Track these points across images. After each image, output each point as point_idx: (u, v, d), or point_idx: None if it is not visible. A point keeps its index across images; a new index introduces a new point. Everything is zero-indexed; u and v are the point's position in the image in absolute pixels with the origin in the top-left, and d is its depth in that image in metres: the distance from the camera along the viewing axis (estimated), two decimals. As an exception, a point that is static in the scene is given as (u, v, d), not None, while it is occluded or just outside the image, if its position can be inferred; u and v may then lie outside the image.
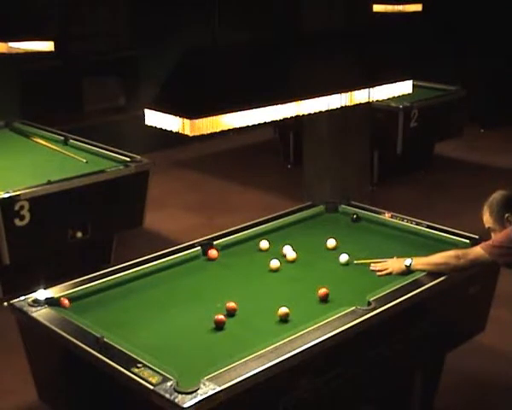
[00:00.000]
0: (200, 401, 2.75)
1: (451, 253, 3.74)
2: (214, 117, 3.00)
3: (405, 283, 3.66)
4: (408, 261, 3.78)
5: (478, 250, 3.63)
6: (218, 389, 2.81)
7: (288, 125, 7.59)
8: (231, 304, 3.49)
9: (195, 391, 2.78)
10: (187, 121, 2.94)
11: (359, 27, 5.88)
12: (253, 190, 8.17)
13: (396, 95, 3.83)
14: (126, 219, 5.95)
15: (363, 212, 4.68)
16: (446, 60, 9.81)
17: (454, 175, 8.65)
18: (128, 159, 5.96)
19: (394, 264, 3.84)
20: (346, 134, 6.30)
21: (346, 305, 3.43)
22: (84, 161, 6.01)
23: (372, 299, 3.48)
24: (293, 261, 4.07)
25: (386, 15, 7.36)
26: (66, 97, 9.11)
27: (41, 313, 3.41)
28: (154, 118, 3.08)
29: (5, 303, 3.60)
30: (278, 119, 3.27)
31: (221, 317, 3.37)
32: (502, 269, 4.07)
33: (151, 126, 3.12)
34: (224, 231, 4.35)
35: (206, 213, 7.49)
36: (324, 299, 3.59)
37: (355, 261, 3.99)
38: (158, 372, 2.90)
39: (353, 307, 3.40)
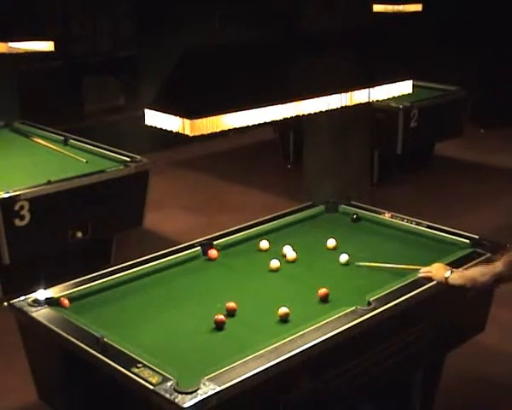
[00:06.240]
0: (200, 401, 2.75)
1: (481, 270, 3.55)
2: (214, 117, 3.00)
3: (405, 283, 3.66)
4: (447, 273, 3.59)
5: (498, 265, 3.46)
6: (218, 389, 2.80)
7: (288, 125, 7.59)
8: (231, 304, 3.48)
9: (195, 391, 2.78)
10: (187, 121, 2.94)
11: (359, 27, 5.87)
12: (252, 190, 8.18)
13: (396, 95, 3.83)
14: (126, 219, 5.95)
15: (363, 212, 4.68)
16: (446, 60, 9.82)
17: (454, 175, 8.66)
18: (128, 159, 5.96)
19: (437, 273, 3.65)
20: (347, 134, 6.30)
21: (346, 305, 3.43)
22: (84, 161, 6.01)
23: (372, 299, 3.48)
24: (293, 261, 4.07)
25: (386, 15, 7.36)
26: (66, 97, 9.11)
27: (41, 313, 3.41)
28: (154, 118, 3.08)
29: (5, 303, 3.59)
30: (278, 119, 3.27)
31: (221, 317, 3.37)
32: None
33: (151, 126, 3.12)
34: (223, 231, 4.35)
35: (206, 213, 7.50)
36: (324, 299, 3.59)
37: (356, 263, 3.98)
38: (158, 372, 2.90)
39: (353, 307, 3.40)
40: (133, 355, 3.03)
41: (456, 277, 3.57)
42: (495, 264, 3.48)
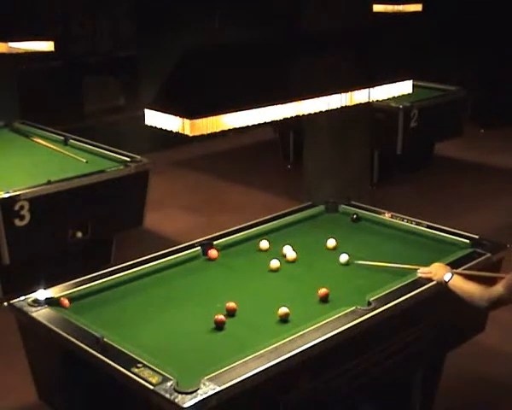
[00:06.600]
0: (200, 401, 2.75)
1: (481, 290, 3.39)
2: (214, 117, 3.00)
3: (405, 283, 3.66)
4: (447, 277, 3.53)
5: (497, 288, 3.33)
6: (218, 389, 2.80)
7: (288, 125, 7.59)
8: (231, 304, 3.48)
9: (195, 391, 2.78)
10: (187, 121, 2.94)
11: (359, 27, 5.87)
12: (252, 190, 8.17)
13: (396, 95, 3.82)
14: (126, 219, 5.95)
15: (363, 212, 4.68)
16: (446, 60, 9.82)
17: (454, 175, 8.66)
18: (128, 159, 5.96)
19: (437, 273, 3.61)
20: (347, 134, 6.31)
21: (346, 305, 3.43)
22: (84, 161, 6.01)
23: (372, 299, 3.48)
24: (293, 261, 4.07)
25: (386, 15, 7.36)
26: (66, 97, 9.11)
27: (41, 313, 3.41)
28: (154, 118, 3.08)
29: (5, 303, 3.60)
30: (278, 119, 3.27)
31: (221, 317, 3.37)
32: (501, 270, 4.06)
33: (151, 126, 3.12)
34: (223, 231, 4.35)
35: (206, 213, 7.50)
36: (324, 299, 3.59)
37: (356, 262, 3.98)
38: (158, 372, 2.90)
39: (353, 307, 3.40)
40: (133, 355, 3.03)
41: (456, 284, 3.49)
42: (495, 287, 3.35)
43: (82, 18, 9.33)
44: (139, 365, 2.96)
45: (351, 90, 3.55)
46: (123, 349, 3.08)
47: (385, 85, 3.72)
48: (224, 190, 8.26)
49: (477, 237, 4.19)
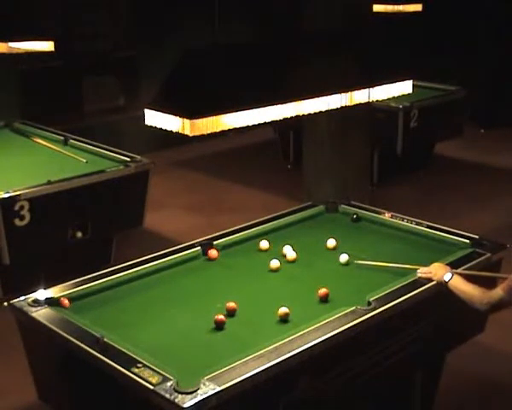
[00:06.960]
0: (200, 401, 2.75)
1: (480, 293, 3.39)
2: (214, 117, 3.00)
3: (405, 283, 3.66)
4: (447, 277, 3.54)
5: (497, 292, 3.34)
6: (218, 389, 2.81)
7: (288, 125, 7.58)
8: (231, 304, 3.48)
9: (195, 391, 2.78)
10: (187, 121, 2.94)
11: (359, 27, 5.87)
12: (252, 190, 8.17)
13: (396, 95, 3.82)
14: (126, 219, 5.95)
15: (363, 212, 4.68)
16: (446, 60, 9.82)
17: (454, 175, 8.66)
18: (128, 159, 5.95)
19: (437, 273, 3.61)
20: (346, 134, 6.30)
21: (346, 305, 3.43)
22: (84, 161, 6.00)
23: (372, 299, 3.48)
24: (293, 261, 4.07)
25: (386, 15, 7.36)
26: (66, 97, 9.11)
27: (41, 313, 3.41)
28: (154, 118, 3.08)
29: (5, 303, 3.60)
30: (278, 119, 3.27)
31: (221, 317, 3.37)
32: (500, 270, 4.06)
33: (151, 126, 3.12)
34: (223, 231, 4.35)
35: (206, 213, 7.50)
36: (324, 299, 3.59)
37: (356, 262, 3.98)
38: (158, 372, 2.90)
39: (353, 307, 3.40)
40: (133, 355, 3.03)
41: (456, 285, 3.49)
42: (495, 290, 3.34)
43: (82, 18, 9.32)
44: (139, 365, 2.96)
45: (351, 90, 3.55)
46: (123, 349, 3.08)
47: (385, 85, 3.72)
48: (223, 189, 8.26)
49: (477, 237, 4.19)
